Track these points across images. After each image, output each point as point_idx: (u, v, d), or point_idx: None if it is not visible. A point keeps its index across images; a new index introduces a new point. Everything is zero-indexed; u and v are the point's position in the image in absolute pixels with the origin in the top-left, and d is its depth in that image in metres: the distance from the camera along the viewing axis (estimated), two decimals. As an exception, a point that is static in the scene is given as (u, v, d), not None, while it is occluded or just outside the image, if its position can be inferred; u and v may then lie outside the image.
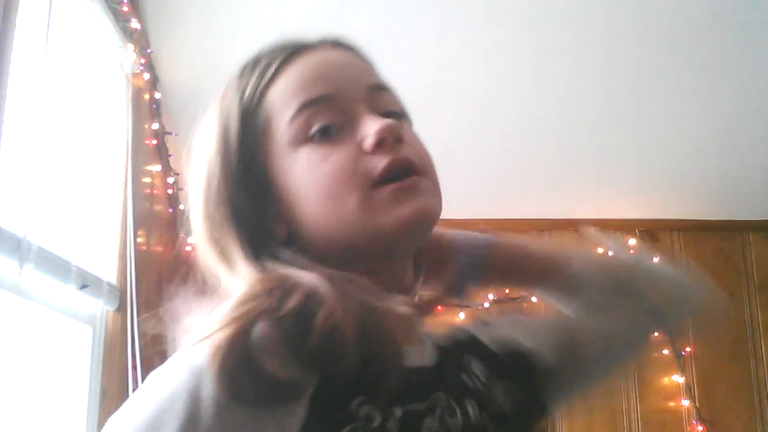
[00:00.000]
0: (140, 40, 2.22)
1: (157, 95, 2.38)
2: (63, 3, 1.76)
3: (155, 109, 2.39)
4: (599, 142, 2.69)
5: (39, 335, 1.67)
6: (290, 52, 0.65)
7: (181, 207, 2.58)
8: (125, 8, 2.08)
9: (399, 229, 0.59)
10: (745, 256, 3.00)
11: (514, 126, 2.62)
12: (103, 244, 1.98)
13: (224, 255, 0.63)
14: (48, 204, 1.64)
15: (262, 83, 0.64)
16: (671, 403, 2.85)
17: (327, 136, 0.60)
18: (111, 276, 1.96)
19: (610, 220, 2.98)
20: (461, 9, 2.27)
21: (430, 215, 0.61)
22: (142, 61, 2.22)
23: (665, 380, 2.87)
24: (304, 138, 0.60)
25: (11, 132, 1.37)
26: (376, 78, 0.66)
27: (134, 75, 2.21)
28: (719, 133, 2.67)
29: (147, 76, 2.28)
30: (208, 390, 0.48)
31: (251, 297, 0.54)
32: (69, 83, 1.83)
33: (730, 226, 3.00)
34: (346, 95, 0.62)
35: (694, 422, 2.81)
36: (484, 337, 0.71)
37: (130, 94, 2.17)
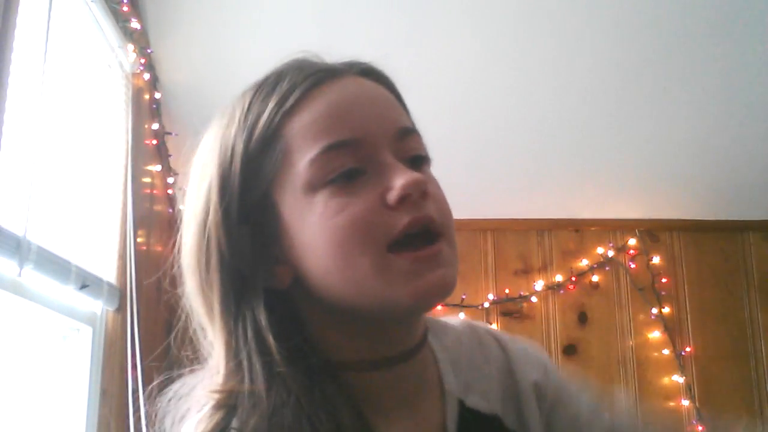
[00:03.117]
0: (140, 40, 2.22)
1: (157, 95, 2.38)
2: (63, 3, 1.76)
3: (155, 109, 2.39)
4: (599, 142, 2.69)
5: (39, 335, 1.67)
6: (316, 79, 0.59)
7: (181, 207, 2.58)
8: (125, 8, 2.08)
9: (415, 302, 0.55)
10: (745, 256, 3.00)
11: (514, 126, 2.62)
12: (103, 244, 1.98)
13: (208, 308, 0.59)
14: (48, 204, 1.64)
15: (282, 111, 0.57)
16: (671, 403, 2.85)
17: (348, 180, 0.55)
18: (111, 276, 1.96)
19: (610, 220, 2.99)
20: (463, 9, 2.27)
21: (449, 288, 0.56)
22: (142, 61, 2.22)
23: (665, 380, 2.87)
24: (323, 181, 0.55)
25: (11, 132, 1.37)
26: (405, 119, 0.62)
27: (134, 75, 2.21)
28: (719, 133, 2.67)
29: (147, 76, 2.28)
30: None
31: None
32: (69, 83, 1.83)
33: (730, 226, 3.00)
34: (373, 139, 0.57)
35: (694, 422, 2.80)
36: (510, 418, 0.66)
37: (130, 94, 2.17)
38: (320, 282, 0.56)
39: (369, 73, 0.63)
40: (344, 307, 0.56)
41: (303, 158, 0.56)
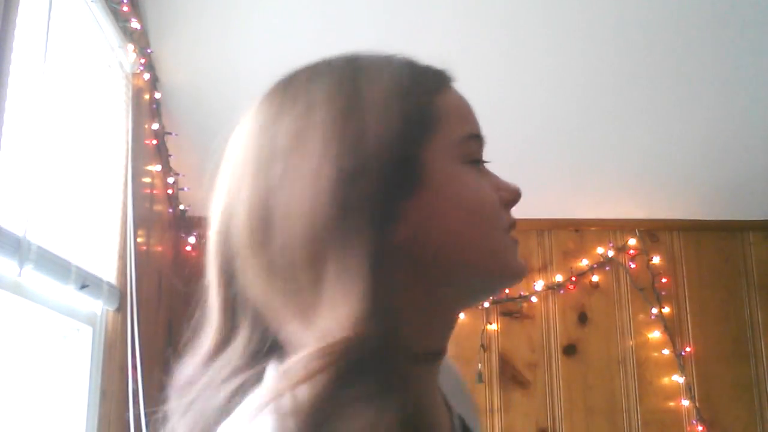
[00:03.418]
0: (140, 40, 2.22)
1: (157, 95, 2.38)
2: (63, 3, 1.76)
3: (155, 109, 2.39)
4: (599, 142, 2.69)
5: (39, 335, 1.68)
6: (447, 75, 0.66)
7: (181, 207, 2.58)
8: (125, 8, 2.07)
9: (517, 274, 0.63)
10: (745, 256, 3.00)
11: (514, 126, 2.62)
12: (103, 244, 1.98)
13: (317, 275, 0.53)
14: (48, 204, 1.64)
15: (434, 86, 0.63)
16: (671, 403, 2.85)
17: (478, 167, 0.63)
18: (111, 276, 1.96)
19: (610, 220, 2.99)
20: (471, 7, 2.27)
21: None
22: (142, 61, 2.22)
23: (665, 380, 2.88)
24: (466, 160, 0.62)
25: (11, 132, 1.37)
26: None
27: (134, 75, 2.21)
28: (719, 133, 2.67)
29: (147, 76, 2.28)
30: None
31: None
32: (69, 83, 1.83)
33: (730, 226, 3.00)
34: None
35: (694, 422, 2.81)
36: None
37: (130, 94, 2.17)
38: (442, 243, 0.59)
39: None
40: (455, 271, 0.60)
41: (456, 131, 0.61)
